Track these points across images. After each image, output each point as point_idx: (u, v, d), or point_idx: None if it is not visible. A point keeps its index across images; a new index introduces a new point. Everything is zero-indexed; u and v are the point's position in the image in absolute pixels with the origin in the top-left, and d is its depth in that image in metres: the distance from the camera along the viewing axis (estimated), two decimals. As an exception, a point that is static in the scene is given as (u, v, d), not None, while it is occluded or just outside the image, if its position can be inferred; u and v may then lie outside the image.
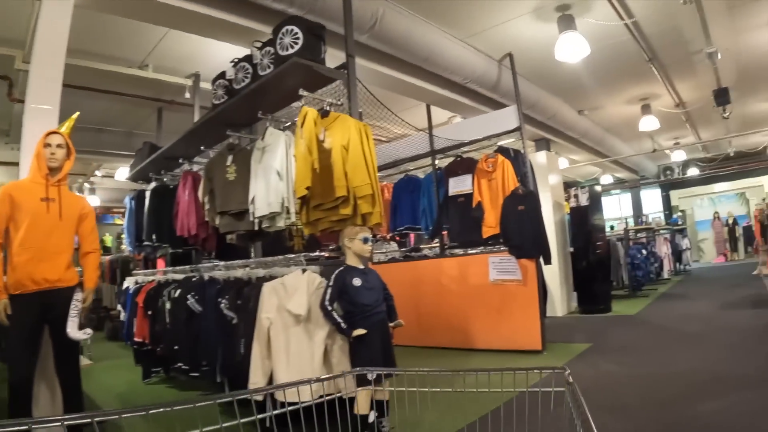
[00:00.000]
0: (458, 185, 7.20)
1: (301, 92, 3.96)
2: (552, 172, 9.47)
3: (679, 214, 16.78)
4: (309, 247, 5.81)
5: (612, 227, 13.87)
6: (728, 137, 11.95)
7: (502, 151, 6.81)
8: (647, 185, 17.83)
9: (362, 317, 3.21)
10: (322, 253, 4.10)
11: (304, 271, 3.54)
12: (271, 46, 4.16)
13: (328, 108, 4.00)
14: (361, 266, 3.39)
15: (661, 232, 13.51)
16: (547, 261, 6.26)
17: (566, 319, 8.60)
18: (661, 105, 9.10)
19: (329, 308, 3.19)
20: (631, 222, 14.59)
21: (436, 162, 7.66)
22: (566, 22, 5.84)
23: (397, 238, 9.20)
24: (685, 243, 14.53)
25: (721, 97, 7.92)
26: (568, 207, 9.28)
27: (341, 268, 3.34)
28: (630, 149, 12.62)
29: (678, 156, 12.91)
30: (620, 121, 10.26)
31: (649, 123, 9.00)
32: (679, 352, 5.27)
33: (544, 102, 8.06)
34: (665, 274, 12.59)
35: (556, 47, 5.95)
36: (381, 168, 8.28)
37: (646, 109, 9.05)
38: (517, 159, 6.70)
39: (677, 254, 14.23)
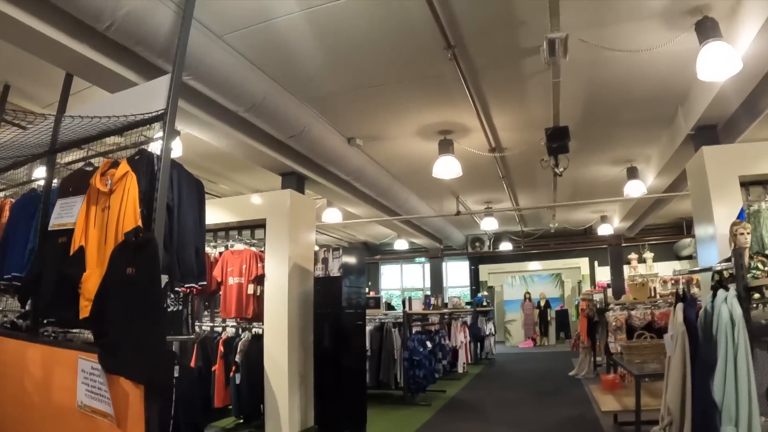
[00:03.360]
0: (64, 214, 3.72)
1: None
2: (302, 224, 6.33)
3: (485, 293, 14.79)
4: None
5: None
6: (553, 206, 9.85)
7: (136, 160, 3.44)
8: (453, 256, 15.83)
9: None
10: None
11: None
12: None
13: None
14: None
15: (464, 315, 11.12)
16: (157, 388, 2.91)
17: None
18: (469, 144, 6.44)
19: None
20: (417, 295, 11.85)
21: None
22: None
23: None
24: (488, 328, 12.30)
25: (558, 139, 5.39)
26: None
27: None
28: (429, 209, 10.01)
29: (488, 224, 10.62)
30: (413, 165, 7.41)
31: (447, 167, 6.23)
32: None
33: (278, 104, 4.93)
34: (460, 368, 10.07)
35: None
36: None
37: (446, 146, 6.28)
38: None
39: (479, 339, 11.95)
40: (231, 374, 5.88)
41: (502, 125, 6.05)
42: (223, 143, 5.58)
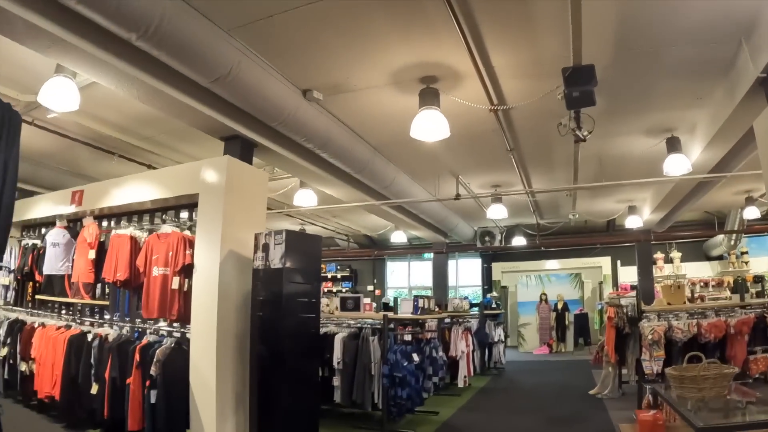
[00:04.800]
0: None
1: None
2: (244, 201, 4.92)
3: (495, 294, 13.24)
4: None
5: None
6: (574, 188, 8.21)
7: None
8: (463, 252, 14.36)
9: None
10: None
11: None
12: None
13: None
14: None
15: (468, 319, 9.66)
16: None
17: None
18: (462, 96, 4.89)
19: None
20: (407, 295, 10.23)
21: None
22: None
23: None
24: (498, 334, 10.79)
25: (580, 84, 3.91)
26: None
27: None
28: (424, 192, 8.50)
29: (497, 212, 9.07)
30: (395, 131, 5.82)
31: (430, 124, 4.70)
32: None
33: (184, 30, 3.54)
34: (461, 381, 8.60)
35: None
36: None
37: (429, 97, 4.73)
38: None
39: (487, 346, 10.45)
40: (146, 391, 4.56)
41: (504, 68, 4.56)
42: (132, 91, 4.23)
